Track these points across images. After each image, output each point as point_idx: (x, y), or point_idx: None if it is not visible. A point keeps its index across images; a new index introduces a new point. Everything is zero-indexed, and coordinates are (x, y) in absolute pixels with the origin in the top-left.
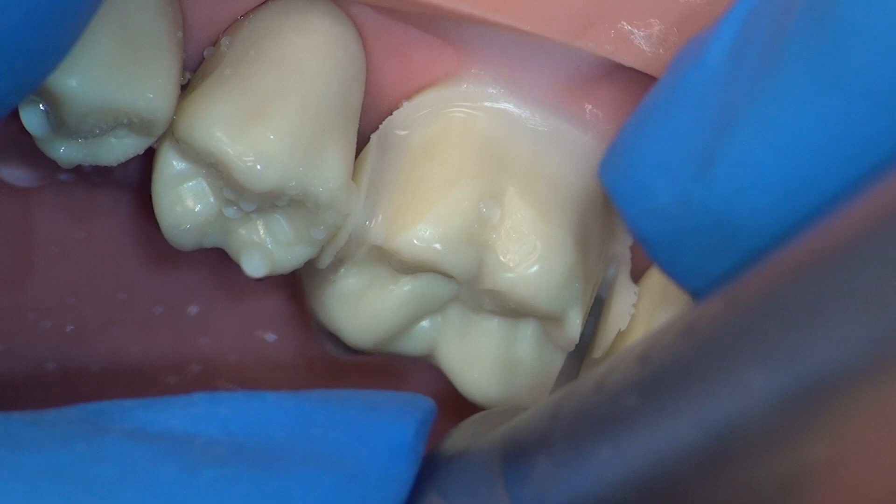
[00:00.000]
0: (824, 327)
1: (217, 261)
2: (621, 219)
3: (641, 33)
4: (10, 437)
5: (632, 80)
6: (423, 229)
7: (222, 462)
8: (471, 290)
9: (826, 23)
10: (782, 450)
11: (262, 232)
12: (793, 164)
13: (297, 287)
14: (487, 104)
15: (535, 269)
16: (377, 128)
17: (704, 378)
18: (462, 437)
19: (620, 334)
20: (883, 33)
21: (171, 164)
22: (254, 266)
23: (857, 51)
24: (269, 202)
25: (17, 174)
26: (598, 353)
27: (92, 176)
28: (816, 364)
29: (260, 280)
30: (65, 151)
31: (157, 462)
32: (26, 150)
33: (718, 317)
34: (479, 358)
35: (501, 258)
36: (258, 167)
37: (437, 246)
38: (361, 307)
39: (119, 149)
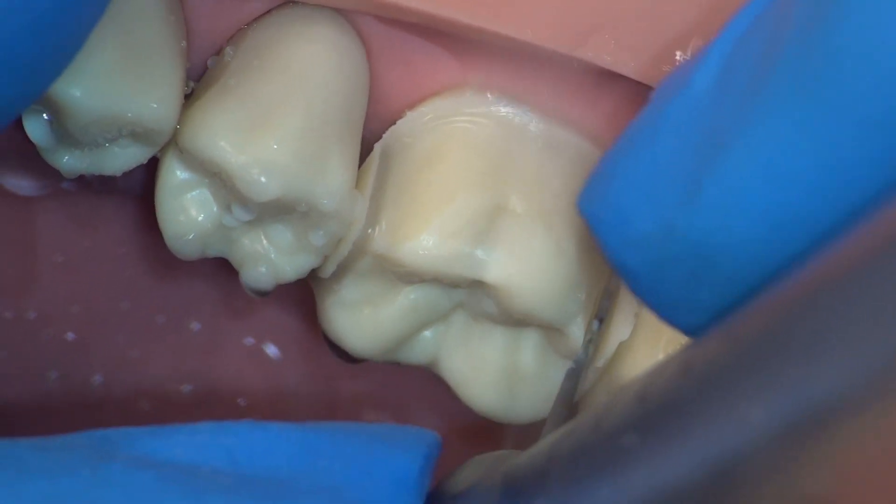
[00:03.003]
0: (822, 360)
1: (221, 271)
2: (599, 248)
3: (640, 44)
4: (16, 463)
5: (632, 90)
6: (427, 238)
7: (227, 491)
8: (474, 299)
9: (819, 50)
10: (782, 484)
11: (264, 242)
12: (781, 192)
13: (300, 300)
14: (490, 113)
15: (537, 278)
16: (381, 137)
17: (703, 414)
18: (466, 476)
19: (623, 344)
20: (878, 61)
21: (174, 174)
22: (255, 279)
23: (851, 78)
24: (273, 211)
25: (20, 183)
26: (600, 362)
27: (95, 184)
28: (815, 397)
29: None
30: (68, 161)
31: (162, 490)
32: (30, 158)
33: (716, 353)
34: (482, 367)
35: (504, 267)
36: (262, 178)
37: (441, 255)
38: (365, 316)
39: (122, 158)
